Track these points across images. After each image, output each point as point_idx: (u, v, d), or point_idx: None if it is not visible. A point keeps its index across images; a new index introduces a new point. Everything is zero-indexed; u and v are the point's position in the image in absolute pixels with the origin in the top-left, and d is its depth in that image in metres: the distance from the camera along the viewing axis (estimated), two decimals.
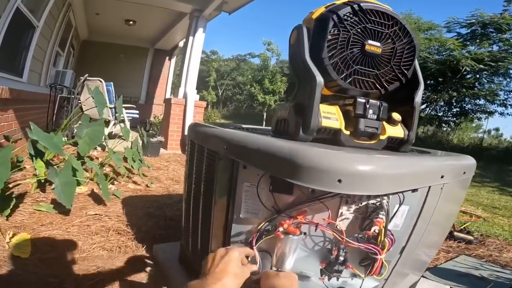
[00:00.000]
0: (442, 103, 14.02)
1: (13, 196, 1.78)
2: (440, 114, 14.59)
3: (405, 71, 0.78)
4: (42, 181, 2.06)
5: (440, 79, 12.80)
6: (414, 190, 0.75)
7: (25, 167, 2.58)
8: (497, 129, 24.80)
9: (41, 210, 1.85)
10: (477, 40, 11.59)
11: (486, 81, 12.48)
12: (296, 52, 0.75)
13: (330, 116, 0.73)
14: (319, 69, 0.71)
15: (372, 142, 0.78)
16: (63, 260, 1.42)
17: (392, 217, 0.75)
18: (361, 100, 0.74)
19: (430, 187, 0.79)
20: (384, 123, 0.80)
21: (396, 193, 0.72)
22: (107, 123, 4.32)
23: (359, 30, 0.73)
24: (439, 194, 0.86)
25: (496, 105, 13.03)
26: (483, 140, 13.96)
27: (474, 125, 18.92)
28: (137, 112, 5.36)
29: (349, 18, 0.73)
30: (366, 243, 0.74)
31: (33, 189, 2.11)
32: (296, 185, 0.70)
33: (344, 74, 0.74)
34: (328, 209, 0.73)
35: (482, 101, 13.28)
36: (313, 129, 0.71)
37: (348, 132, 0.75)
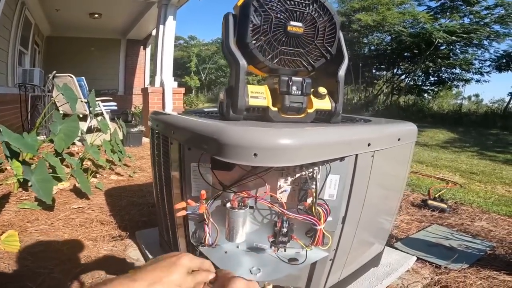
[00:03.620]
0: (420, 73, 14.47)
1: None
2: (419, 83, 15.13)
3: (329, 48, 0.86)
4: (21, 180, 2.10)
5: (416, 51, 13.37)
6: (341, 159, 0.79)
7: (6, 168, 2.60)
8: (477, 95, 25.77)
9: (25, 208, 1.90)
10: (447, 13, 11.96)
11: (460, 51, 13.11)
12: (224, 40, 0.80)
13: (258, 96, 0.81)
14: (246, 53, 0.77)
15: (301, 116, 0.85)
16: (51, 252, 1.49)
17: (322, 187, 0.80)
18: (284, 78, 0.81)
19: (357, 155, 0.82)
20: (312, 97, 0.87)
21: (317, 163, 0.75)
22: (84, 117, 4.31)
23: (280, 12, 0.78)
24: (371, 161, 0.89)
25: (472, 73, 13.59)
26: (461, 106, 14.36)
27: (454, 92, 19.48)
28: (115, 104, 5.33)
29: (269, 2, 0.78)
30: (304, 214, 0.78)
31: (15, 189, 2.15)
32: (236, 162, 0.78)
33: (270, 56, 0.80)
34: (265, 182, 0.78)
35: (458, 70, 13.87)
36: (241, 108, 0.78)
37: (276, 109, 0.82)
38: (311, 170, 0.79)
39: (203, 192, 0.75)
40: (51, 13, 6.05)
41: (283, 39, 0.81)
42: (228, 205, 0.81)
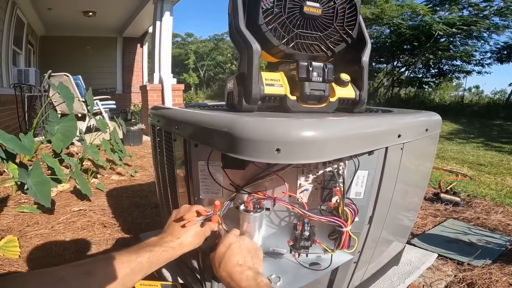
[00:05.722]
0: (421, 66, 14.49)
1: None
2: (420, 76, 15.18)
3: (350, 31, 0.77)
4: (19, 183, 2.03)
5: (416, 44, 13.43)
6: (370, 153, 0.72)
7: (4, 171, 2.53)
8: (477, 87, 25.86)
9: (24, 212, 1.84)
10: (446, 5, 11.99)
11: (460, 43, 13.14)
12: (232, 21, 0.72)
13: (274, 83, 0.72)
14: (258, 37, 0.69)
15: (322, 105, 0.77)
16: (52, 258, 1.43)
17: (350, 184, 0.72)
18: (304, 63, 0.73)
19: (387, 148, 0.75)
20: (334, 84, 0.79)
21: (344, 158, 0.68)
22: (83, 117, 4.22)
23: None
24: (400, 155, 0.82)
25: (472, 65, 13.58)
26: (463, 98, 14.33)
27: (454, 84, 19.46)
28: (113, 102, 5.26)
29: None
30: (329, 216, 0.70)
31: (14, 192, 2.09)
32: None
33: (286, 39, 0.72)
34: (285, 181, 0.71)
35: (458, 62, 13.96)
36: (255, 97, 0.69)
37: (294, 97, 0.74)
38: (336, 165, 0.70)
39: (217, 203, 0.68)
40: (44, 12, 5.95)
41: (299, 21, 0.73)
42: (242, 207, 0.74)
